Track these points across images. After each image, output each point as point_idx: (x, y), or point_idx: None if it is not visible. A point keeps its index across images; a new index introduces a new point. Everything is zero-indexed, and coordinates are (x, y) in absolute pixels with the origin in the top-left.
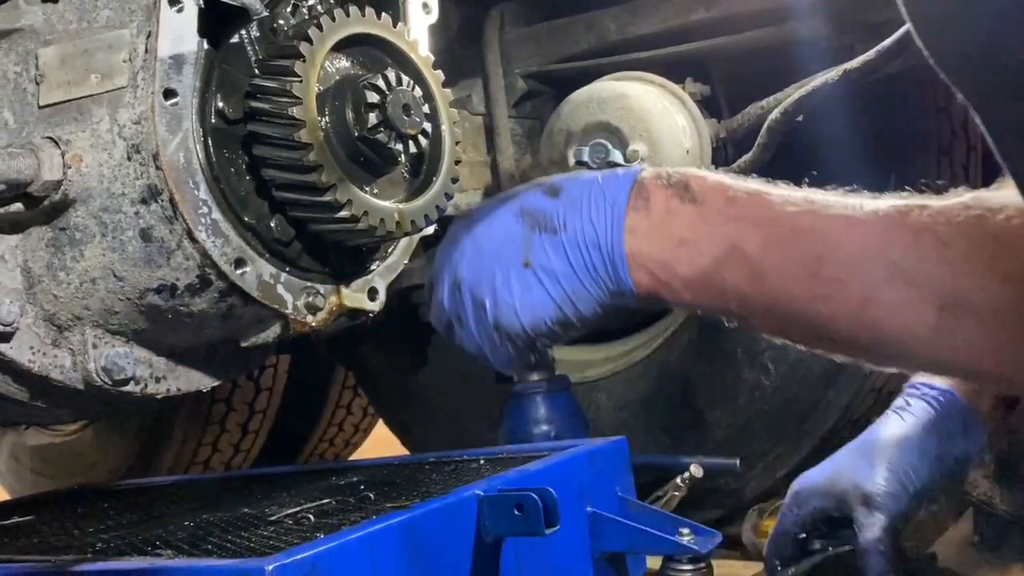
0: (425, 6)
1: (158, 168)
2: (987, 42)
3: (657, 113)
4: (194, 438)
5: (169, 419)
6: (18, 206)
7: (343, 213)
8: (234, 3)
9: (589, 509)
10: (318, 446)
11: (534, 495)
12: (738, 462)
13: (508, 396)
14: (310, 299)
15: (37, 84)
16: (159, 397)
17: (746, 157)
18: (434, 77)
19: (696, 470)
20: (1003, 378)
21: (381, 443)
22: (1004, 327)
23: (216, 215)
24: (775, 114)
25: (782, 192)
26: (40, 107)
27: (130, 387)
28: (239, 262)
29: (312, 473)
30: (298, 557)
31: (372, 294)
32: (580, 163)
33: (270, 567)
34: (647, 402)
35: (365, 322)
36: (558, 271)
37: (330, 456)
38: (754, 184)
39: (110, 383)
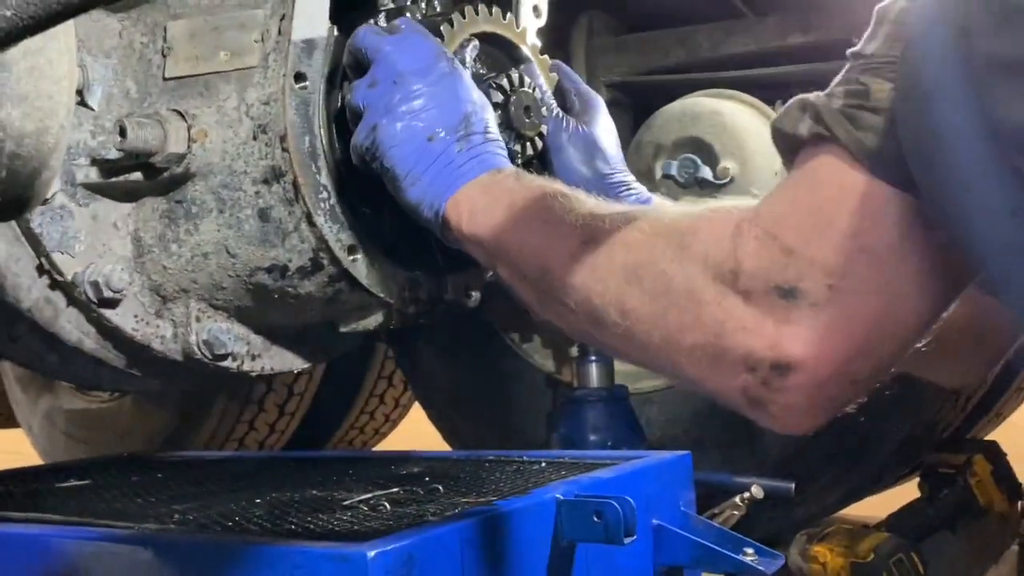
0: (536, 9)
1: (284, 150)
2: None
3: (750, 133)
4: (232, 415)
5: (209, 395)
6: (137, 175)
7: None
8: None
9: (655, 521)
10: (348, 432)
11: (615, 503)
12: (794, 486)
13: (564, 401)
14: (412, 290)
15: (164, 56)
16: (253, 375)
17: None
18: (550, 80)
19: (757, 491)
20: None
21: (405, 436)
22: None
23: (334, 201)
24: None
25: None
26: (165, 79)
27: (227, 363)
28: (352, 249)
29: (367, 460)
30: (397, 545)
31: (468, 291)
32: (667, 176)
33: (372, 553)
34: (699, 417)
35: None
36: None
37: (359, 444)
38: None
39: (209, 357)
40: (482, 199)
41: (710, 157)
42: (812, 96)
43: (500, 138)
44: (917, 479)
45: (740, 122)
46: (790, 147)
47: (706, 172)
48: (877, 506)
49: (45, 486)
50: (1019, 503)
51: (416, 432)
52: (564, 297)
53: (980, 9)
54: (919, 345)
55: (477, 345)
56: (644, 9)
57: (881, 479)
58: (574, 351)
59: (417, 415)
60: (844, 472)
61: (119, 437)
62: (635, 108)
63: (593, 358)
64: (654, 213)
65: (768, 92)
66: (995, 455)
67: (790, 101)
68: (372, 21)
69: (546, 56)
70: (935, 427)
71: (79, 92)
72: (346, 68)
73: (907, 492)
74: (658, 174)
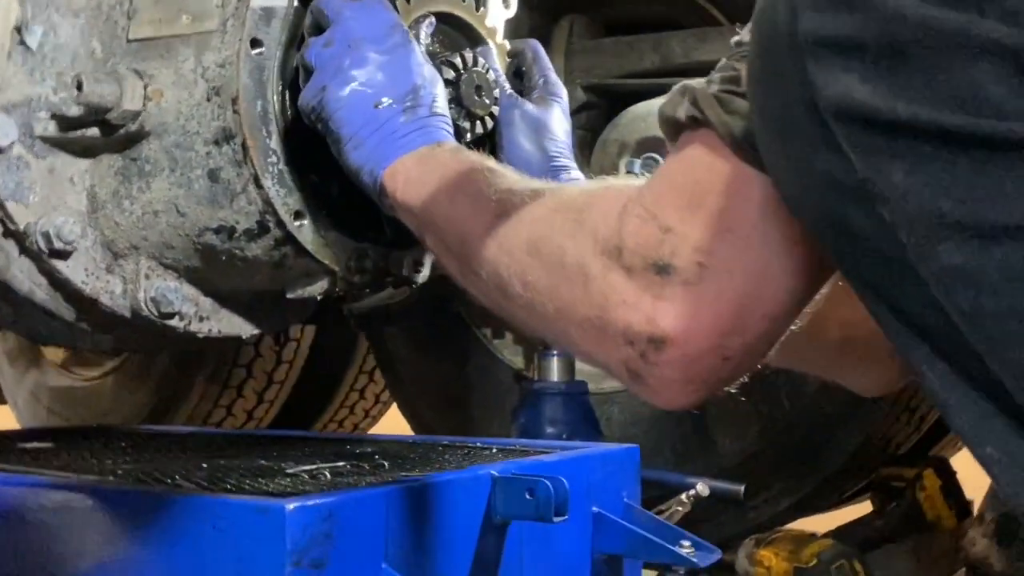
0: (505, 0)
1: (235, 112)
2: None
3: None
4: (211, 398)
5: (189, 376)
6: (94, 131)
7: None
8: None
9: (595, 509)
10: (327, 426)
11: (547, 482)
12: (743, 488)
13: (525, 393)
14: (359, 260)
15: (129, 19)
16: (200, 336)
17: None
18: (507, 66)
19: (703, 489)
20: None
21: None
22: None
23: (283, 166)
24: None
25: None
26: (128, 41)
27: (175, 322)
28: (298, 214)
29: (327, 440)
30: (317, 502)
31: (417, 266)
32: (630, 174)
33: (290, 506)
34: (659, 420)
35: (395, 304)
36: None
37: None
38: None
39: (156, 314)
40: (416, 169)
41: None
42: (693, 82)
43: (447, 114)
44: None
45: None
46: (672, 131)
47: None
48: (832, 521)
49: (8, 445)
50: (966, 520)
51: (395, 428)
52: (478, 268)
53: None
54: (793, 327)
55: (449, 338)
56: (623, 14)
57: (833, 490)
58: (540, 347)
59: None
60: (796, 480)
61: (100, 415)
62: (609, 110)
63: (554, 353)
64: (559, 190)
65: None
66: (945, 470)
67: (675, 86)
68: None
69: (505, 42)
70: (888, 442)
71: (17, 30)
72: (305, 30)
73: (864, 509)
74: (622, 171)
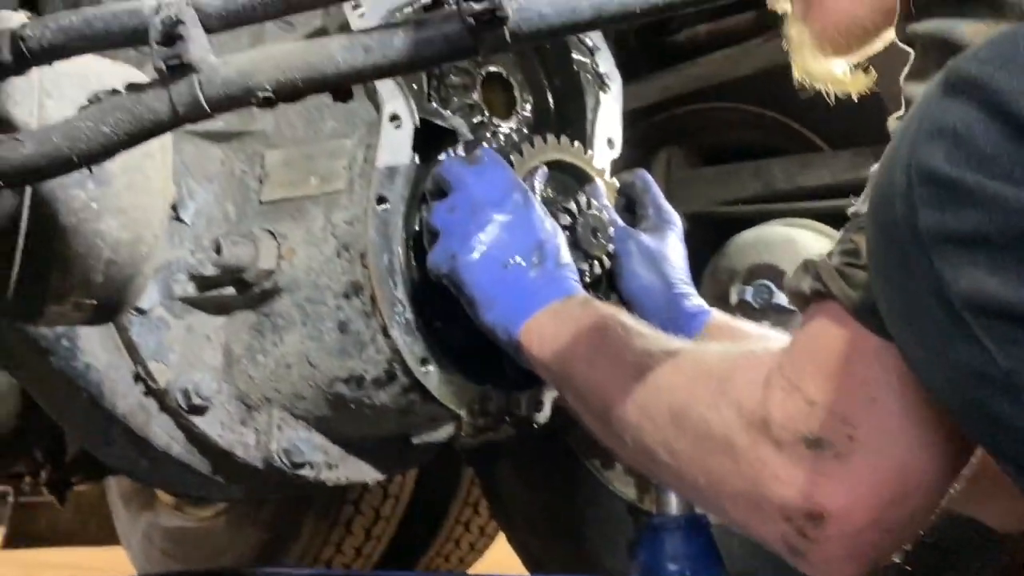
0: (610, 141)
1: (364, 266)
2: None
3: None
4: (320, 536)
5: (299, 514)
6: (230, 290)
7: None
8: (444, 125)
9: None
10: (433, 560)
11: None
12: None
13: (643, 527)
14: (483, 404)
15: (260, 182)
16: (329, 484)
17: None
18: (616, 201)
19: None
20: None
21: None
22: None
23: (409, 315)
24: None
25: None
26: (261, 203)
27: (305, 471)
28: (424, 361)
29: None
30: None
31: (539, 407)
32: (743, 302)
33: None
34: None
35: (507, 437)
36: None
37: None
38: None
39: (288, 465)
40: (551, 326)
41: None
42: (815, 256)
43: (571, 263)
44: None
45: (814, 250)
46: (800, 303)
47: (780, 298)
48: None
49: None
50: None
51: (498, 561)
52: (621, 432)
53: (920, 183)
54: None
55: (558, 469)
56: (720, 142)
57: None
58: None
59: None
60: None
61: (213, 555)
62: (713, 238)
63: None
64: (698, 352)
65: (842, 224)
66: None
67: (800, 262)
68: (452, 150)
69: (614, 180)
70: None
71: (173, 207)
72: (427, 193)
73: None
74: (733, 299)
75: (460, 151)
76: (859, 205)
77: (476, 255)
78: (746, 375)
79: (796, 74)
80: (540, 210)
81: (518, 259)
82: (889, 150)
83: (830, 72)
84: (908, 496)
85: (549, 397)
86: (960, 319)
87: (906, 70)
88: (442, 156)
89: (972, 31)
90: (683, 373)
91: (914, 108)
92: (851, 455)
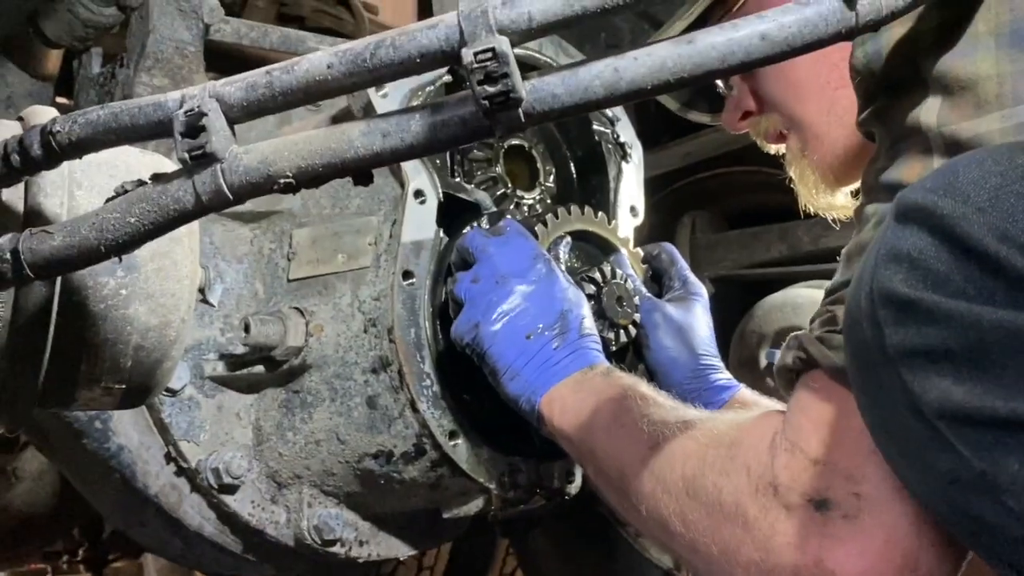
0: (633, 209)
1: (391, 341)
2: None
3: None
4: None
5: None
6: (259, 368)
7: None
8: (468, 199)
9: None
10: None
11: None
12: None
13: None
14: (513, 476)
15: (288, 260)
16: (360, 561)
17: None
18: (642, 272)
19: None
20: None
21: None
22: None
23: (437, 388)
24: None
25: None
26: (289, 280)
27: (336, 548)
28: (453, 434)
29: None
30: None
31: (569, 476)
32: (771, 364)
33: None
34: None
35: (542, 508)
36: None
37: None
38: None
39: (319, 542)
40: (572, 397)
41: None
42: (800, 332)
43: (595, 332)
44: None
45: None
46: (788, 378)
47: None
48: None
49: None
50: None
51: None
52: (638, 503)
53: (882, 305)
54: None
55: (593, 538)
56: (744, 206)
57: None
58: None
59: None
60: None
61: None
62: (740, 300)
63: None
64: (710, 421)
65: None
66: None
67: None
68: (476, 223)
69: (639, 249)
70: None
71: (201, 290)
72: (452, 264)
73: None
74: (763, 362)
75: (484, 223)
76: (834, 279)
77: (498, 327)
78: (753, 439)
79: (801, 205)
80: (564, 280)
81: (541, 329)
82: (855, 277)
83: (831, 204)
84: (923, 554)
85: (579, 468)
86: (933, 428)
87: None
88: (467, 229)
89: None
90: (695, 440)
91: (874, 236)
92: (859, 515)
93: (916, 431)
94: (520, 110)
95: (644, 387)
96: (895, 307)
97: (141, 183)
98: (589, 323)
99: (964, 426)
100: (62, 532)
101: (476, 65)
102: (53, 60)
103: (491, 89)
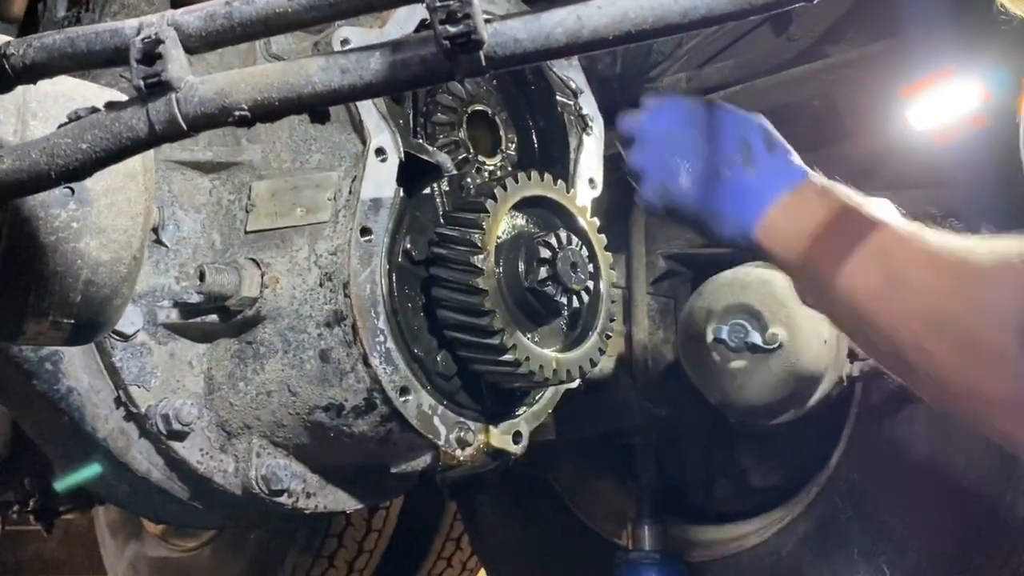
0: (592, 181)
1: (346, 296)
2: None
3: (798, 302)
4: (303, 569)
5: (282, 547)
6: (213, 318)
7: (507, 357)
8: (430, 160)
9: None
10: None
11: None
12: None
13: (620, 562)
14: (462, 434)
15: (247, 212)
16: (307, 512)
17: None
18: (598, 240)
19: None
20: None
21: None
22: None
23: (390, 344)
24: None
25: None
26: (246, 232)
27: (283, 499)
28: (404, 390)
29: None
30: None
31: (517, 437)
32: (718, 340)
33: None
34: None
35: (486, 472)
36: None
37: None
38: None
39: (267, 492)
40: (787, 224)
41: (759, 323)
42: None
43: (784, 143)
44: None
45: (788, 291)
46: None
47: (756, 337)
48: None
49: None
50: None
51: None
52: (874, 336)
53: None
54: None
55: (538, 505)
56: None
57: None
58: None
59: None
60: None
61: None
62: (693, 280)
63: (647, 522)
64: (960, 253)
65: None
66: None
67: None
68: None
69: (595, 219)
70: None
71: (154, 230)
72: (619, 145)
73: None
74: (709, 337)
75: (444, 185)
76: None
77: (683, 177)
78: (1016, 280)
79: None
80: (727, 108)
81: (725, 163)
82: None
83: None
84: None
85: (527, 429)
86: None
87: None
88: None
89: None
90: (944, 275)
91: None
92: None
93: None
94: (481, 53)
95: (868, 206)
96: None
97: (95, 110)
98: (774, 134)
99: None
100: (12, 483)
101: (439, 3)
102: (19, 3)
103: (452, 29)
